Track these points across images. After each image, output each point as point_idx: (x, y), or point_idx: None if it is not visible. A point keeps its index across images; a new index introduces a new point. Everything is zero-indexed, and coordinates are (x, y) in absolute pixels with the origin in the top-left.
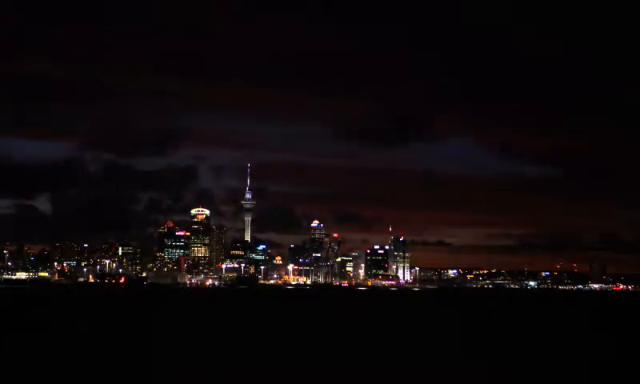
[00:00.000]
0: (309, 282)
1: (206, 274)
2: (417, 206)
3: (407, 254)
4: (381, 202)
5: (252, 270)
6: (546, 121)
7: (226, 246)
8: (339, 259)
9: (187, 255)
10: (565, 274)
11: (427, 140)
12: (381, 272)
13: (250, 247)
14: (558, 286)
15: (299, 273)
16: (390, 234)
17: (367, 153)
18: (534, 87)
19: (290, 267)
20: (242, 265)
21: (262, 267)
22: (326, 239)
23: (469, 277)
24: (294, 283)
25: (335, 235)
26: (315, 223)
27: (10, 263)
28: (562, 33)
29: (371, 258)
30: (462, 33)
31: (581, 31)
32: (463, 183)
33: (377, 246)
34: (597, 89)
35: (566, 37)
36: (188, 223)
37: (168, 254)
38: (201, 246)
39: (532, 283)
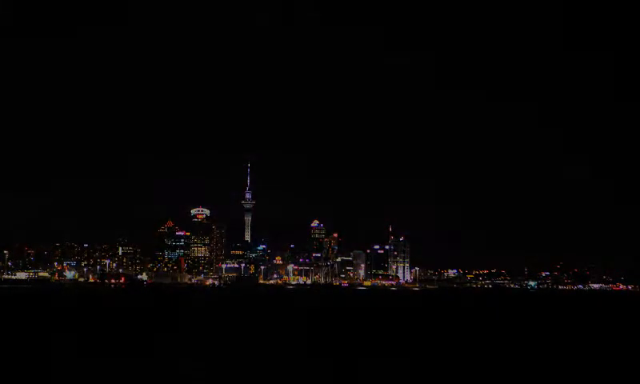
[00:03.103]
0: (309, 281)
1: (205, 274)
2: None
3: (407, 254)
4: None
5: (252, 269)
6: None
7: (226, 245)
8: (339, 259)
9: (187, 255)
10: (565, 274)
11: None
12: (381, 272)
13: (250, 247)
14: (558, 286)
15: (299, 273)
16: (390, 233)
17: None
18: None
19: (290, 267)
20: (242, 265)
21: (262, 267)
22: (326, 239)
23: (469, 277)
24: (294, 283)
25: (335, 235)
26: (315, 223)
27: (10, 263)
28: None
29: (371, 258)
30: None
31: None
32: None
33: (377, 246)
34: None
35: None
36: (188, 223)
37: (168, 253)
38: (201, 246)
39: (532, 283)
